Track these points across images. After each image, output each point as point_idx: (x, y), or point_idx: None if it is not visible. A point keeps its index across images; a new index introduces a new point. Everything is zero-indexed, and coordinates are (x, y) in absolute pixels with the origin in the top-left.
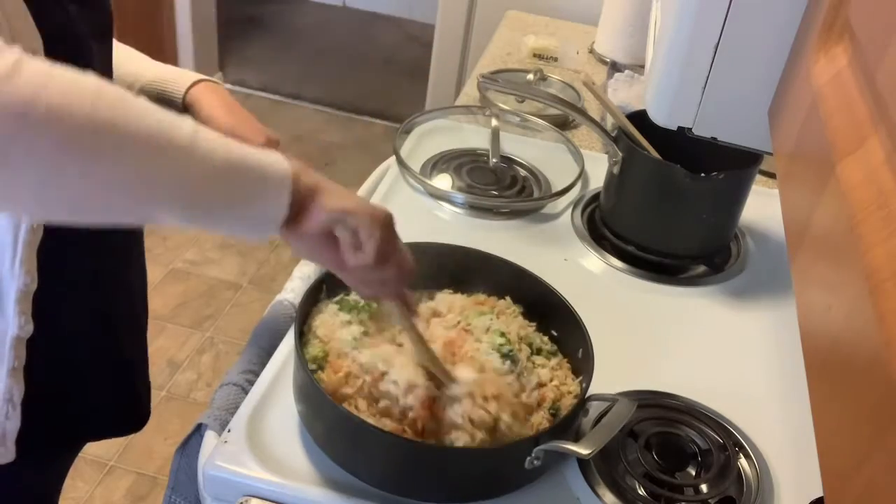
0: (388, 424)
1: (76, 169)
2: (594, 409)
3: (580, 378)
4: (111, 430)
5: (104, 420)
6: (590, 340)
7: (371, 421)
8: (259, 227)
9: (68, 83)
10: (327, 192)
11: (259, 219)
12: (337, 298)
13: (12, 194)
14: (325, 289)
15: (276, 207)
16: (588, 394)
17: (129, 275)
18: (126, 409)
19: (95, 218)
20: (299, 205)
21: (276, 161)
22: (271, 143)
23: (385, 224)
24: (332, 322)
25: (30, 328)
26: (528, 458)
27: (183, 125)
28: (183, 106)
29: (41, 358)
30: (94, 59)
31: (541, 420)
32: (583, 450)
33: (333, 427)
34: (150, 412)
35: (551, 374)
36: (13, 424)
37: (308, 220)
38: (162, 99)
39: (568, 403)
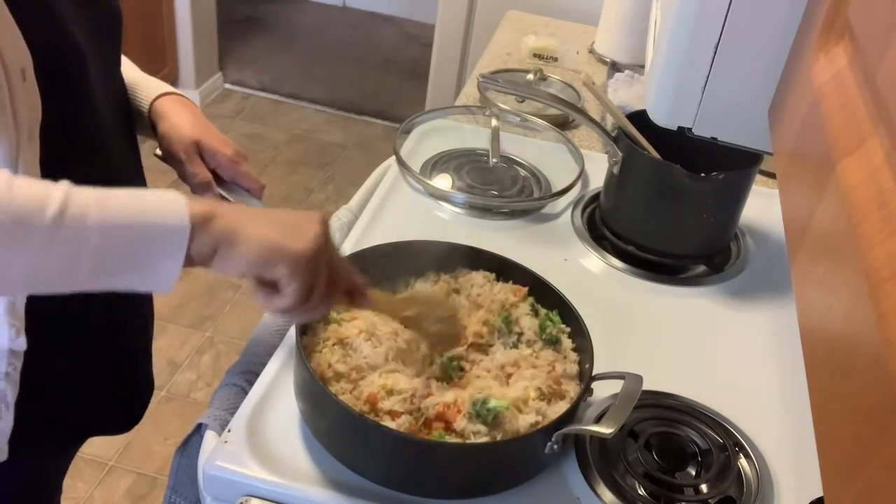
0: (403, 423)
1: None
2: (596, 406)
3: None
4: (107, 427)
5: (101, 418)
6: (583, 322)
7: (389, 423)
8: (156, 286)
9: None
10: (244, 235)
11: (153, 280)
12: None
13: None
14: None
15: (169, 270)
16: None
17: None
18: (124, 407)
19: None
20: (210, 252)
21: (173, 216)
22: (239, 157)
23: (308, 261)
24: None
25: (21, 342)
26: (549, 444)
27: (44, 212)
28: (148, 116)
29: (40, 360)
30: (91, 68)
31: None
32: (605, 429)
33: (364, 437)
34: (143, 412)
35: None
36: (6, 424)
37: (226, 267)
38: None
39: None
